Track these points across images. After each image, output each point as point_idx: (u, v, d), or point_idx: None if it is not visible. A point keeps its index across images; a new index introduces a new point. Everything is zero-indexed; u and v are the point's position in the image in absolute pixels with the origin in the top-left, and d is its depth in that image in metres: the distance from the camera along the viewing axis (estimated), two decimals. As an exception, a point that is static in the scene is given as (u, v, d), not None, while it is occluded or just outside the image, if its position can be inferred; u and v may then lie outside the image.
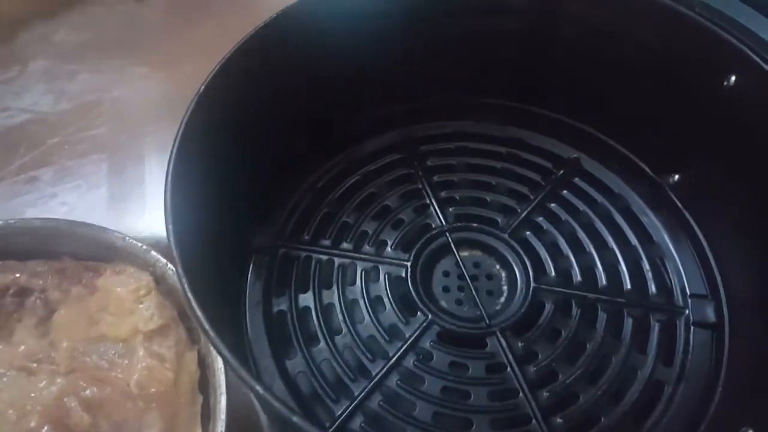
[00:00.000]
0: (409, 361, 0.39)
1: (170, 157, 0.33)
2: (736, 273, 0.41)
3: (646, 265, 0.43)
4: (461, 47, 0.48)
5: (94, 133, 0.57)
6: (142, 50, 0.64)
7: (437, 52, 0.48)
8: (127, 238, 0.39)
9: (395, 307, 0.41)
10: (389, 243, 0.44)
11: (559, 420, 0.37)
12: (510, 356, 0.39)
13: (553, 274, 0.43)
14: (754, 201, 0.39)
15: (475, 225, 0.45)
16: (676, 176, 0.45)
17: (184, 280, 0.26)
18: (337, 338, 0.40)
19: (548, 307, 0.41)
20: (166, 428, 0.35)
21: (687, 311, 0.41)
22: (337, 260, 0.44)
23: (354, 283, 0.43)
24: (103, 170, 0.54)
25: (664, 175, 0.46)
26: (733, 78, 0.37)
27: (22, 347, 0.37)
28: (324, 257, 0.44)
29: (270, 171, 0.45)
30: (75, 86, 0.61)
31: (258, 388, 0.23)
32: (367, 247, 0.44)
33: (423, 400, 0.37)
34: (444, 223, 0.45)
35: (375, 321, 0.40)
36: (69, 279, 0.39)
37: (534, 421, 0.37)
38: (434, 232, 0.44)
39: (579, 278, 0.43)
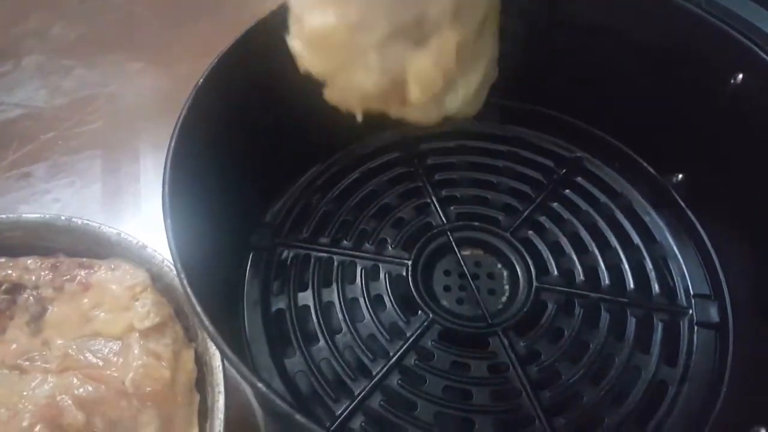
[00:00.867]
0: (410, 361, 0.38)
1: (168, 152, 0.32)
2: (740, 273, 0.41)
3: (649, 265, 0.43)
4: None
5: (89, 128, 0.56)
6: (138, 46, 0.64)
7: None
8: (123, 234, 0.38)
9: (396, 306, 0.40)
10: (390, 241, 0.44)
11: (562, 420, 0.36)
12: (512, 356, 0.38)
13: (555, 273, 0.42)
14: (759, 201, 0.39)
15: (476, 224, 0.45)
16: (680, 176, 0.45)
17: (182, 276, 0.26)
18: (337, 337, 0.40)
19: (551, 306, 0.41)
20: (163, 427, 0.34)
21: (690, 311, 0.41)
22: (336, 258, 0.43)
23: (354, 281, 0.42)
24: (98, 167, 0.53)
25: (667, 175, 0.46)
26: (741, 76, 0.37)
27: (14, 345, 0.36)
28: (323, 255, 0.43)
29: (268, 168, 0.44)
30: (70, 81, 0.60)
31: (260, 385, 0.23)
32: (367, 246, 0.44)
33: (424, 399, 0.37)
34: (445, 221, 0.45)
35: (375, 320, 0.40)
36: (62, 275, 0.38)
37: (537, 421, 0.36)
38: (435, 230, 0.44)
39: (582, 278, 0.42)
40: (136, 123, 0.56)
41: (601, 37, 0.44)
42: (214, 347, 0.34)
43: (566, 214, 0.45)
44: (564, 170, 0.48)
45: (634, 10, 0.42)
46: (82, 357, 0.35)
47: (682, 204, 0.45)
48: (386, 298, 0.41)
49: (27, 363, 0.35)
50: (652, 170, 0.46)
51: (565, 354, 0.39)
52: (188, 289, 0.25)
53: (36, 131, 0.56)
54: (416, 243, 0.43)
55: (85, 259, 0.38)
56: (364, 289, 0.41)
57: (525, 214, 0.45)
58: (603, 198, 0.46)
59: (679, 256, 0.43)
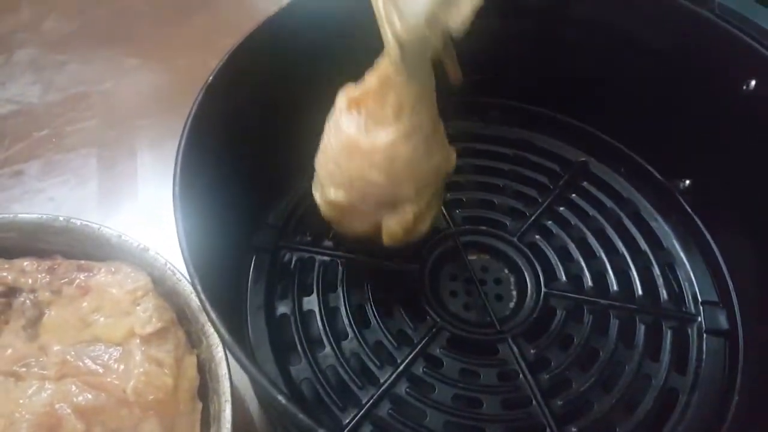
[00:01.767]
0: (419, 368, 0.37)
1: (177, 152, 0.31)
2: (748, 279, 0.41)
3: (657, 272, 0.43)
4: (469, 47, 0.47)
5: (84, 126, 0.55)
6: (133, 41, 0.62)
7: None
8: (123, 236, 0.37)
9: (403, 312, 0.40)
10: (395, 245, 0.43)
11: (573, 429, 0.36)
12: (522, 363, 0.38)
13: (563, 279, 0.42)
14: (767, 207, 0.39)
15: (483, 228, 0.44)
16: (687, 181, 0.45)
17: (196, 281, 0.25)
18: (344, 343, 0.39)
19: (560, 312, 0.40)
20: (165, 437, 0.33)
21: (699, 318, 0.41)
22: (341, 261, 0.42)
23: (360, 285, 0.41)
24: (93, 165, 0.52)
25: (674, 180, 0.45)
26: (753, 82, 0.37)
27: (9, 351, 0.34)
28: (327, 258, 0.42)
29: (272, 169, 0.43)
30: (63, 77, 0.59)
31: (279, 397, 0.22)
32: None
33: (433, 408, 0.36)
34: (452, 225, 0.44)
35: (382, 326, 0.39)
36: (60, 278, 0.36)
37: (548, 430, 0.36)
38: (441, 234, 0.43)
39: (590, 284, 0.42)
40: (132, 120, 0.55)
41: (610, 41, 0.44)
42: (220, 354, 0.33)
43: (573, 219, 0.45)
44: (569, 174, 0.47)
45: (645, 15, 0.41)
46: (81, 363, 0.34)
47: (689, 210, 0.44)
48: (393, 304, 0.40)
49: (23, 369, 0.34)
50: (658, 176, 0.46)
51: (576, 361, 0.38)
52: (202, 295, 0.24)
53: (29, 128, 0.54)
54: (422, 247, 0.42)
55: (83, 262, 0.37)
56: (369, 294, 0.41)
57: (532, 218, 0.45)
58: (609, 203, 0.46)
59: (687, 262, 0.43)
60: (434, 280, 0.42)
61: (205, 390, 0.35)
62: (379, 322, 0.39)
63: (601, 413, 0.36)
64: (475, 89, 0.49)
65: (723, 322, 0.40)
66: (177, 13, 0.65)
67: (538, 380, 0.37)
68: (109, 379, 0.33)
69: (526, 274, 0.42)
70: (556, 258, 0.43)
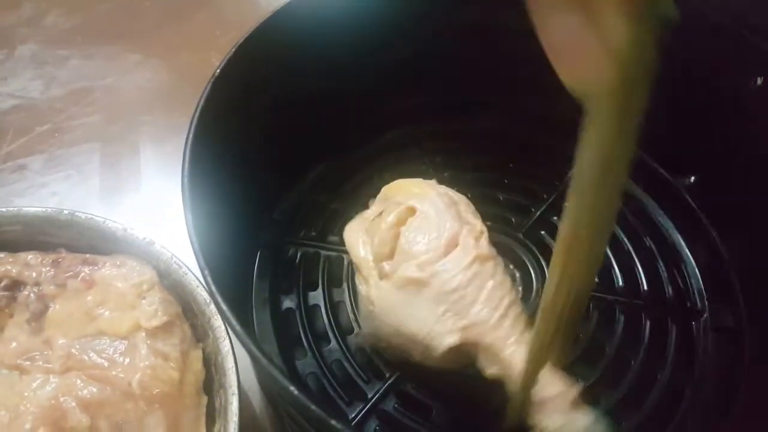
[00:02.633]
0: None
1: (186, 145, 0.31)
2: (754, 276, 0.41)
3: (663, 268, 0.43)
4: (469, 44, 0.47)
5: (86, 121, 0.54)
6: (136, 37, 0.62)
7: (446, 49, 0.46)
8: (129, 229, 0.37)
9: (409, 306, 0.39)
10: (401, 240, 0.43)
11: (579, 425, 0.36)
12: (528, 358, 0.37)
13: (569, 274, 0.42)
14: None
15: (488, 224, 0.43)
16: (693, 178, 0.45)
17: (206, 273, 0.25)
18: (349, 338, 0.39)
19: (565, 308, 0.40)
20: (170, 430, 0.33)
21: (705, 315, 0.41)
22: (346, 257, 0.42)
23: (365, 280, 0.41)
24: (96, 160, 0.52)
25: (680, 177, 0.45)
26: (760, 80, 0.37)
27: (14, 344, 0.34)
28: (332, 254, 0.42)
29: (277, 165, 0.43)
30: (66, 72, 0.58)
31: (292, 389, 0.21)
32: (378, 244, 0.43)
33: (440, 402, 0.36)
34: (456, 221, 0.44)
35: (388, 320, 0.39)
36: (65, 272, 0.36)
37: (555, 426, 0.35)
38: (447, 230, 0.43)
39: (596, 279, 0.42)
40: (135, 116, 0.55)
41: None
42: (227, 348, 0.33)
43: (579, 215, 0.45)
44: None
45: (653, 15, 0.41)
46: (85, 357, 0.33)
47: (695, 206, 0.44)
48: (399, 298, 0.40)
49: (28, 363, 0.33)
50: (664, 172, 0.46)
51: (582, 357, 0.38)
52: (212, 287, 0.24)
53: (31, 123, 0.54)
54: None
55: (88, 255, 0.37)
56: (375, 288, 0.40)
57: (537, 214, 0.45)
58: (615, 199, 0.46)
59: (692, 259, 0.43)
60: (440, 275, 0.41)
61: (210, 383, 0.35)
62: (385, 316, 0.39)
63: (606, 409, 0.36)
64: (477, 87, 0.49)
65: (728, 319, 0.40)
66: (179, 9, 0.65)
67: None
68: (114, 373, 0.33)
69: (531, 269, 0.42)
70: (561, 254, 0.42)
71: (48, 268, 0.36)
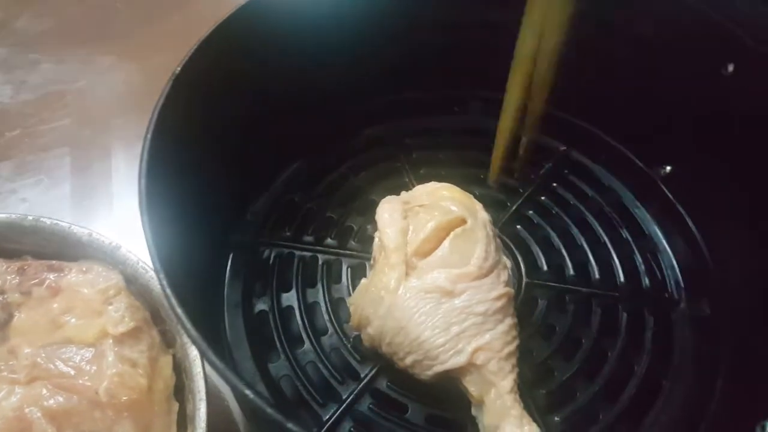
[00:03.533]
0: (400, 362, 0.37)
1: (144, 143, 0.30)
2: (731, 265, 0.40)
3: (639, 259, 0.42)
4: (443, 40, 0.47)
5: (57, 125, 0.54)
6: (108, 40, 0.61)
7: (418, 43, 0.46)
8: (94, 234, 0.36)
9: (383, 305, 0.39)
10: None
11: (556, 419, 0.35)
12: (504, 354, 0.37)
13: (545, 268, 0.41)
14: (748, 192, 0.38)
15: (464, 218, 0.43)
16: (668, 168, 0.44)
17: (161, 274, 0.24)
18: (323, 339, 0.38)
19: (541, 302, 0.40)
20: (140, 439, 0.32)
21: (682, 305, 0.40)
22: (321, 257, 0.42)
23: (340, 280, 0.41)
24: (67, 165, 0.51)
25: (655, 167, 0.45)
26: (732, 66, 0.36)
27: (-22, 355, 0.33)
28: (307, 254, 0.42)
29: (249, 164, 0.42)
30: (36, 76, 0.58)
31: (247, 391, 0.21)
32: (352, 243, 0.42)
33: (415, 401, 0.36)
34: (432, 217, 0.43)
35: (362, 320, 0.38)
36: (30, 279, 0.35)
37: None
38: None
39: (572, 273, 0.41)
40: (107, 119, 0.54)
41: (589, 29, 0.43)
42: (195, 353, 0.33)
43: (555, 209, 0.45)
44: (551, 164, 0.47)
45: (623, 2, 0.41)
46: (52, 366, 0.33)
47: (671, 197, 0.44)
48: (373, 297, 0.39)
49: (-8, 373, 0.33)
50: (639, 163, 0.46)
51: (558, 351, 0.38)
52: (167, 289, 0.24)
53: (0, 128, 0.53)
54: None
55: (54, 262, 0.36)
56: (350, 287, 0.40)
57: (513, 208, 0.44)
58: (591, 192, 0.46)
59: (669, 250, 0.43)
60: (415, 272, 0.41)
61: (181, 390, 0.35)
62: (360, 316, 0.38)
63: (584, 402, 0.36)
64: (454, 81, 0.49)
65: (706, 308, 0.40)
66: (152, 11, 0.64)
67: (520, 371, 0.36)
68: (81, 381, 0.32)
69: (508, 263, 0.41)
70: (537, 248, 0.42)
71: (13, 276, 0.36)
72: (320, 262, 0.41)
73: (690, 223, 0.43)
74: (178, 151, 0.33)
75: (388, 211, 0.37)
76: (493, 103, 0.49)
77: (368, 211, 0.43)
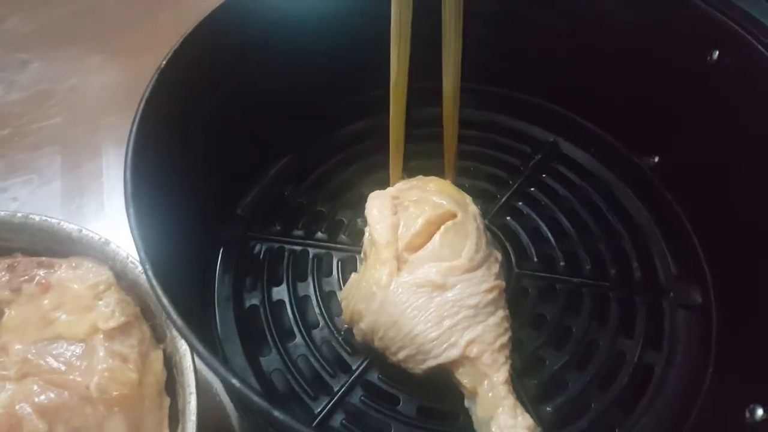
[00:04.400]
0: (391, 354, 0.37)
1: (129, 137, 0.30)
2: (720, 254, 0.41)
3: (629, 248, 0.42)
4: (430, 31, 0.46)
5: (48, 124, 0.54)
6: (98, 39, 0.61)
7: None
8: (84, 230, 0.36)
9: (374, 297, 0.39)
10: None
11: (548, 408, 0.35)
12: (495, 345, 0.37)
13: (535, 259, 0.41)
14: (737, 180, 0.39)
15: (454, 211, 0.43)
16: (656, 158, 0.45)
17: (147, 266, 0.24)
18: (314, 332, 0.38)
19: (532, 292, 0.40)
20: (131, 433, 0.32)
21: (672, 293, 0.40)
22: (311, 251, 0.42)
23: (330, 274, 0.41)
24: (57, 164, 0.51)
25: (644, 157, 0.45)
26: (717, 53, 0.37)
27: (-32, 352, 0.33)
28: (298, 248, 0.42)
29: (237, 158, 0.42)
30: (26, 76, 0.58)
31: (233, 381, 0.21)
32: (343, 237, 0.42)
33: (407, 393, 0.36)
34: (422, 209, 0.43)
35: (353, 312, 0.38)
36: (20, 276, 0.35)
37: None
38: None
39: (562, 263, 0.41)
40: (97, 118, 0.54)
41: (574, 18, 0.43)
42: (185, 347, 0.33)
43: (544, 200, 0.45)
44: (540, 155, 0.47)
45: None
46: (42, 362, 0.33)
47: (660, 186, 0.44)
48: (364, 290, 0.39)
49: (-18, 371, 0.33)
50: (628, 153, 0.46)
51: (549, 341, 0.38)
52: (153, 281, 0.24)
53: (-10, 128, 0.53)
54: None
55: (44, 258, 0.36)
56: (340, 281, 0.40)
57: (503, 200, 0.44)
58: (580, 182, 0.46)
59: (659, 239, 0.43)
60: (406, 265, 0.41)
61: (172, 385, 0.35)
62: (351, 309, 0.39)
63: (576, 391, 0.36)
64: (440, 74, 0.49)
65: (697, 296, 0.40)
66: (142, 11, 0.64)
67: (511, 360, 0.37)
68: (71, 377, 0.33)
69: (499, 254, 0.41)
70: (527, 238, 0.42)
71: (3, 273, 0.36)
72: (311, 256, 0.41)
73: (680, 212, 0.43)
74: (165, 145, 0.33)
75: (378, 207, 0.37)
76: (483, 95, 0.50)
77: (358, 205, 0.42)
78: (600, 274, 0.41)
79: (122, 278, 0.36)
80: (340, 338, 0.38)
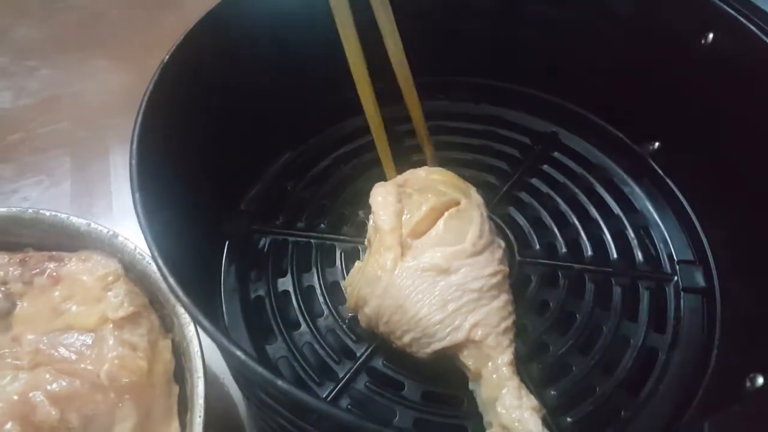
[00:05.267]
0: (395, 340, 0.37)
1: (133, 131, 0.31)
2: (723, 236, 0.41)
3: (631, 234, 0.43)
4: (430, 26, 0.47)
5: (56, 128, 0.55)
6: (103, 45, 0.62)
7: (405, 31, 0.46)
8: (92, 224, 0.37)
9: (378, 286, 0.39)
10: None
11: (553, 392, 0.36)
12: (499, 330, 0.37)
13: (537, 247, 0.42)
14: (736, 163, 0.39)
15: (456, 201, 0.44)
16: (656, 144, 0.45)
17: (153, 249, 0.25)
18: (319, 321, 0.39)
19: (534, 279, 0.40)
20: (141, 421, 0.33)
21: (676, 277, 0.41)
22: (315, 243, 0.42)
23: (334, 264, 0.41)
24: (66, 165, 0.52)
25: (643, 144, 0.46)
26: (711, 36, 0.37)
27: (-18, 343, 0.34)
28: (301, 240, 0.42)
29: (240, 154, 0.43)
30: (35, 82, 0.59)
31: (237, 351, 0.22)
32: (345, 228, 0.43)
33: (411, 379, 0.36)
34: (424, 200, 0.44)
35: (358, 301, 0.39)
36: (32, 269, 0.36)
37: (528, 394, 0.35)
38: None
39: (564, 250, 0.42)
40: (103, 120, 0.55)
41: (570, 8, 0.44)
42: (192, 332, 0.33)
43: (545, 189, 0.45)
44: (540, 146, 0.48)
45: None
46: (54, 351, 0.34)
47: (660, 172, 0.45)
48: (368, 279, 0.40)
49: (-4, 361, 0.34)
50: (627, 140, 0.46)
51: (553, 326, 0.38)
52: (159, 261, 0.24)
53: (2, 132, 0.54)
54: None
55: (54, 252, 0.37)
56: (344, 271, 0.41)
57: (504, 189, 0.45)
58: (580, 171, 0.46)
59: (661, 224, 0.43)
60: (409, 255, 0.41)
61: (180, 373, 0.35)
62: (355, 297, 0.39)
63: (580, 375, 0.36)
64: (439, 68, 0.49)
65: (700, 279, 0.40)
66: (145, 16, 0.65)
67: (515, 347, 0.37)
68: (82, 366, 0.33)
69: (501, 244, 0.42)
70: (529, 227, 0.43)
71: (15, 267, 0.37)
72: (314, 248, 0.42)
73: (681, 197, 0.44)
74: (168, 140, 0.33)
75: (382, 195, 0.37)
76: (482, 88, 0.50)
77: (360, 198, 0.43)
78: (602, 260, 0.41)
79: (130, 270, 0.36)
80: (344, 326, 0.38)
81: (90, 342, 0.34)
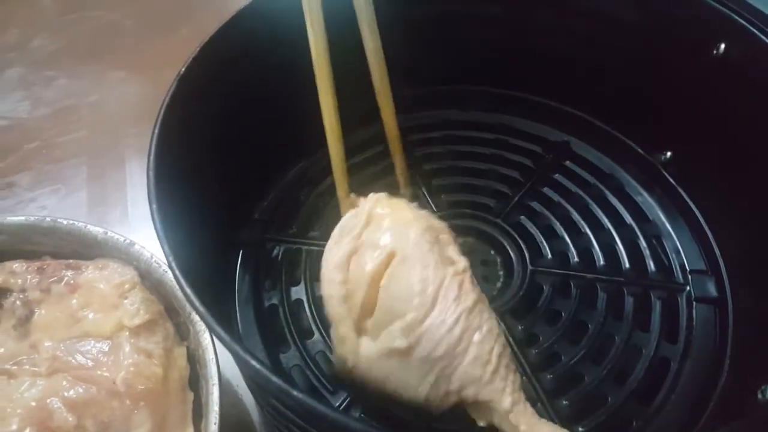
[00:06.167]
0: (407, 350, 0.37)
1: (151, 143, 0.32)
2: (735, 246, 0.41)
3: (643, 244, 0.43)
4: (440, 35, 0.48)
5: (73, 137, 0.56)
6: (119, 55, 0.64)
7: (415, 39, 0.47)
8: (109, 232, 0.38)
9: (391, 295, 0.40)
10: (382, 232, 0.43)
11: (564, 402, 0.36)
12: (511, 340, 0.38)
13: (549, 256, 0.42)
14: (749, 172, 0.39)
15: (467, 211, 0.44)
16: (668, 153, 0.45)
17: (171, 259, 0.25)
18: (332, 330, 0.39)
19: (546, 289, 0.40)
20: (156, 427, 0.33)
21: (688, 287, 0.41)
22: (328, 251, 0.42)
23: (347, 273, 0.41)
24: (83, 174, 0.53)
25: (655, 154, 0.46)
26: (723, 46, 0.37)
27: (1, 350, 0.35)
28: (315, 249, 0.43)
29: (254, 163, 0.43)
30: (52, 92, 0.60)
31: (251, 360, 0.22)
32: (358, 237, 0.43)
33: (423, 387, 0.36)
34: (436, 210, 0.44)
35: (370, 310, 0.39)
36: (49, 277, 0.37)
37: (539, 404, 0.36)
38: (427, 219, 0.43)
39: (576, 259, 0.42)
40: (119, 130, 0.56)
41: (581, 18, 0.44)
42: (207, 340, 0.34)
43: (557, 198, 0.45)
44: (552, 155, 0.48)
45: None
46: (71, 358, 0.34)
47: (673, 182, 0.45)
48: (380, 288, 0.40)
49: (15, 367, 0.34)
50: (640, 150, 0.46)
51: (564, 336, 0.38)
52: (176, 270, 0.25)
53: (19, 142, 0.55)
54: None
55: (72, 261, 0.38)
56: (357, 280, 0.41)
57: (515, 199, 0.45)
58: (593, 180, 0.46)
59: (673, 234, 0.43)
60: (421, 264, 0.42)
61: (195, 380, 0.36)
62: (367, 306, 0.39)
63: (591, 385, 0.36)
64: (450, 77, 0.50)
65: (712, 289, 0.40)
66: (161, 27, 0.66)
67: (526, 355, 0.37)
68: (99, 372, 0.34)
69: (511, 253, 0.42)
70: (541, 236, 0.43)
71: (33, 275, 0.37)
72: (328, 256, 0.42)
73: (693, 207, 0.43)
74: (184, 150, 0.34)
75: (328, 280, 0.34)
76: (494, 98, 0.50)
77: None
78: (614, 270, 0.41)
79: (146, 278, 0.37)
80: (357, 335, 0.38)
81: (106, 349, 0.35)
